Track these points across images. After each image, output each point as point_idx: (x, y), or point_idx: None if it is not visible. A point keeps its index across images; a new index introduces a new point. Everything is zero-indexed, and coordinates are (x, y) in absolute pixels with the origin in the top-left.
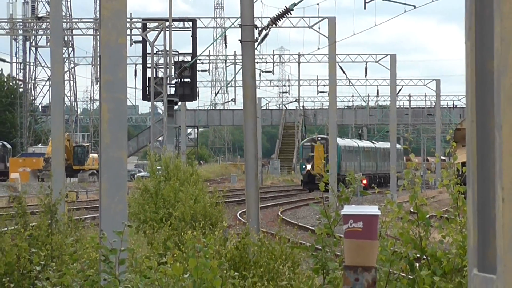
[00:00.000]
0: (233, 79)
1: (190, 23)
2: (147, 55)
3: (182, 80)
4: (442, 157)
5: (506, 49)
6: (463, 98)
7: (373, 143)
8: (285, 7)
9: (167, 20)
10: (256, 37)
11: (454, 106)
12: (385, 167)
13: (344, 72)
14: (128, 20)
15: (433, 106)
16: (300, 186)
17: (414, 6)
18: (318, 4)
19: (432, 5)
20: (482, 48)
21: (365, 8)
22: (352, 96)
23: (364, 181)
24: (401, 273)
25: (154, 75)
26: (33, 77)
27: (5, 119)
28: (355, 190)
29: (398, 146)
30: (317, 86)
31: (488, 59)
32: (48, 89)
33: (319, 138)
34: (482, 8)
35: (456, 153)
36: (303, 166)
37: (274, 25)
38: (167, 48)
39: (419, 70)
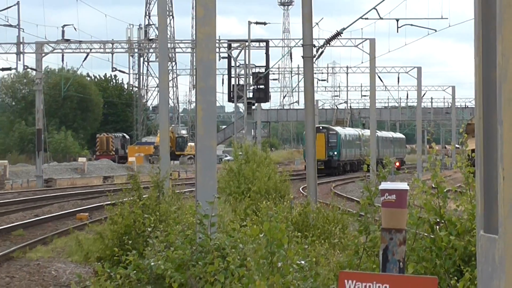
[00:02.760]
0: (297, 86)
1: (264, 43)
2: (232, 67)
3: (258, 86)
4: (457, 145)
5: (505, 63)
6: (473, 100)
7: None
8: (337, 30)
9: (246, 41)
10: (314, 54)
11: (466, 107)
12: (384, 153)
13: (381, 80)
14: (217, 41)
15: (450, 106)
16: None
17: (435, 30)
18: (362, 28)
19: (449, 29)
20: (487, 62)
21: (397, 32)
22: (388, 98)
23: (397, 164)
24: (424, 234)
25: (237, 83)
26: (145, 85)
27: (125, 117)
28: (390, 171)
29: (400, 135)
30: (361, 91)
31: (492, 71)
32: (157, 94)
33: (321, 128)
34: (487, 32)
35: (467, 142)
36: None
37: (328, 45)
38: (247, 62)
39: (439, 79)
